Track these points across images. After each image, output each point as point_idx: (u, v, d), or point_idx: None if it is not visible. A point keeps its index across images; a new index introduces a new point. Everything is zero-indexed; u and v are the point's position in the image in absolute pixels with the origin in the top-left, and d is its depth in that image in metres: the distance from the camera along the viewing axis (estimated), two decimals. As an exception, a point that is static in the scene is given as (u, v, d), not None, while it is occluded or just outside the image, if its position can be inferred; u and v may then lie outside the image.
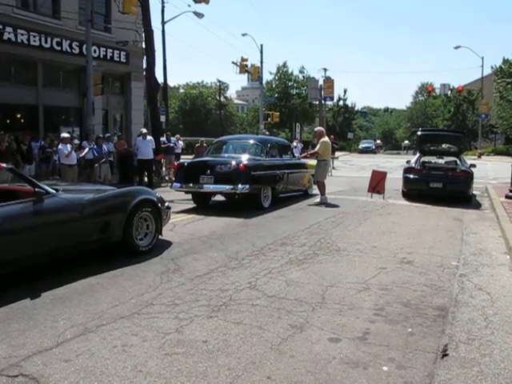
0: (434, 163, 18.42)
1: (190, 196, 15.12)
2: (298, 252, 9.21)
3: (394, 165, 37.66)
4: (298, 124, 56.85)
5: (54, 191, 7.67)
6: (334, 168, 32.59)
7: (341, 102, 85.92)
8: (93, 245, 8.12)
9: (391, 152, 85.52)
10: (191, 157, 25.01)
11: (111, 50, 26.55)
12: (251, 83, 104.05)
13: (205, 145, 26.78)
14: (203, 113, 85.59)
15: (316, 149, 16.19)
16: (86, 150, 19.11)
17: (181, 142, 27.78)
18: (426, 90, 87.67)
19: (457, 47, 56.75)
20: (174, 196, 15.70)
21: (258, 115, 56.65)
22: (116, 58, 26.91)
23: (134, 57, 27.82)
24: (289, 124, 72.82)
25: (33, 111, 23.68)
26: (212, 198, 15.57)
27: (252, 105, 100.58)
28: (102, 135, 21.14)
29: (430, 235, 11.13)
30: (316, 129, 17.08)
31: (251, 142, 15.73)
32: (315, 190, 17.37)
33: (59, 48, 23.89)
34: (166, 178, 23.79)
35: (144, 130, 22.03)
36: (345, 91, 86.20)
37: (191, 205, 15.03)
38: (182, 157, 26.60)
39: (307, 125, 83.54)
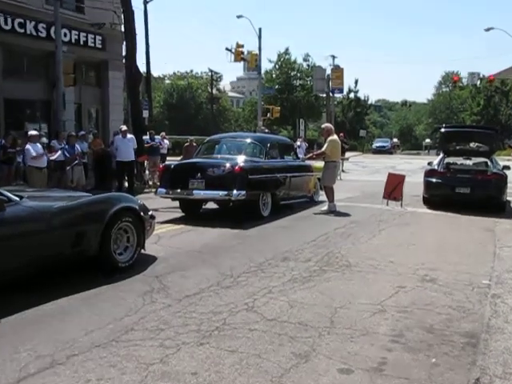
0: (461, 165, 18.32)
1: (177, 203, 15.08)
2: (303, 268, 9.20)
3: (414, 167, 37.75)
4: (302, 120, 57.65)
5: (17, 198, 7.62)
6: (343, 171, 32.54)
7: (351, 95, 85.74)
8: (64, 260, 8.05)
9: (410, 152, 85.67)
10: (179, 158, 24.93)
11: (84, 34, 26.53)
12: (248, 73, 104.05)
13: (194, 144, 26.68)
14: (193, 107, 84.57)
15: (323, 148, 16.08)
16: (58, 153, 18.93)
17: (166, 141, 27.78)
18: (450, 80, 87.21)
19: (488, 29, 56.56)
20: (158, 203, 15.65)
21: (256, 110, 56.49)
22: (90, 43, 26.91)
23: (112, 42, 27.76)
24: (292, 120, 73.45)
25: (-9, 105, 23.42)
26: (203, 206, 15.54)
27: (249, 98, 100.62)
28: (74, 133, 21.06)
29: (456, 249, 11.07)
30: (323, 126, 16.97)
31: (248, 140, 15.74)
32: (322, 196, 17.27)
33: (22, 30, 23.80)
34: (150, 183, 23.78)
35: (124, 128, 21.97)
36: (356, 82, 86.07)
37: (179, 213, 14.99)
38: (168, 158, 26.42)
39: (313, 121, 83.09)
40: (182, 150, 30.02)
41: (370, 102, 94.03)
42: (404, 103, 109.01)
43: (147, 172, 24.89)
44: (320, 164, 16.88)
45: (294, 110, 71.25)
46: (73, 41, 25.72)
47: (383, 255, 10.28)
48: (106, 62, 28.23)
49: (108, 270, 8.63)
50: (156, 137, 26.74)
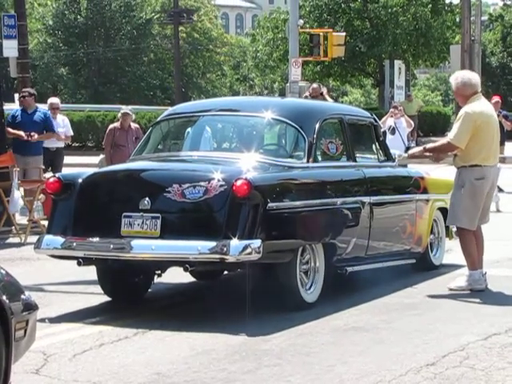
0: None
1: (90, 272, 10.04)
2: None
3: None
4: (399, 63, 37.45)
5: None
6: (501, 190, 18.09)
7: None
8: None
9: None
10: (98, 159, 17.20)
11: None
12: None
13: (135, 125, 17.01)
14: (126, 34, 55.12)
15: (450, 135, 9.98)
16: None
17: (65, 120, 17.66)
18: None
19: None
20: (45, 272, 11.17)
21: (285, 40, 34.08)
22: None
23: None
24: (375, 66, 43.42)
25: None
26: (154, 279, 10.28)
27: (268, 10, 59.52)
28: None
29: None
30: (453, 77, 10.31)
31: (267, 117, 10.46)
32: (452, 251, 11.99)
33: None
34: (29, 219, 15.36)
35: None
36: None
37: (98, 296, 10.03)
38: (67, 160, 18.81)
39: (428, 65, 48.37)
40: (98, 137, 23.93)
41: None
42: None
43: (16, 191, 16.28)
44: (446, 175, 11.90)
45: (380, 40, 40.01)
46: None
47: None
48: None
49: None
50: (40, 109, 16.31)
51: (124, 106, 18.94)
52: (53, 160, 16.53)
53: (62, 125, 16.72)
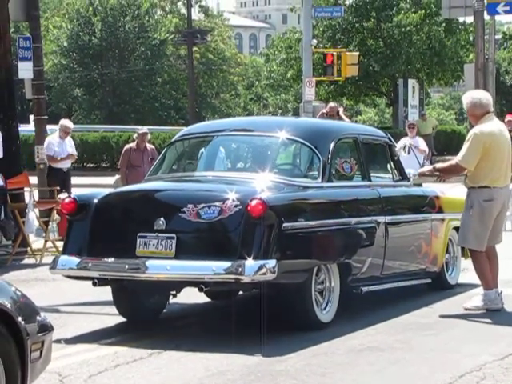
0: None
1: (105, 293, 10.07)
2: None
3: None
4: (413, 82, 38.16)
5: None
6: None
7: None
8: None
9: None
10: (113, 179, 17.14)
11: None
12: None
13: (150, 146, 17.29)
14: (141, 56, 55.32)
15: (459, 156, 10.00)
16: None
17: (70, 140, 17.83)
18: None
19: None
20: (60, 293, 11.21)
21: (299, 60, 34.55)
22: None
23: None
24: (389, 84, 43.21)
25: None
26: (170, 300, 10.20)
27: (282, 30, 61.95)
28: None
29: None
30: (465, 98, 10.29)
31: (282, 137, 10.46)
32: (467, 270, 11.83)
33: None
34: (44, 240, 14.85)
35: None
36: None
37: (113, 317, 9.95)
38: (82, 180, 19.55)
39: (442, 84, 48.22)
40: (113, 158, 24.25)
41: None
42: None
43: (31, 212, 15.24)
44: (461, 193, 11.14)
45: (394, 59, 39.98)
46: None
47: None
48: None
49: None
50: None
51: (140, 127, 19.28)
52: (64, 180, 16.88)
53: (70, 145, 17.10)
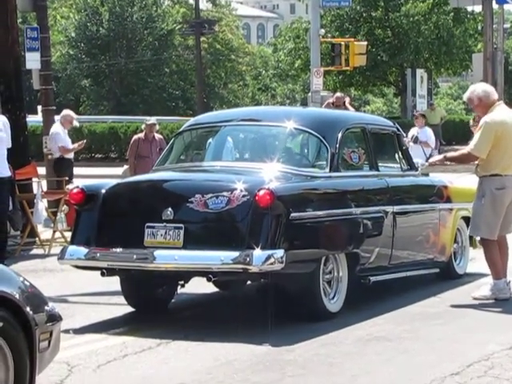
0: None
1: (113, 283, 9.92)
2: None
3: None
4: (421, 71, 37.91)
5: None
6: None
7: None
8: None
9: None
10: (121, 170, 17.15)
11: None
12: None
13: (159, 136, 17.52)
14: (148, 46, 55.71)
15: (471, 144, 9.94)
16: None
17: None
18: None
19: None
20: (68, 283, 11.01)
21: (306, 50, 34.76)
22: None
23: None
24: (397, 74, 43.11)
25: None
26: (178, 290, 10.14)
27: (289, 20, 59.03)
28: None
29: None
30: (472, 89, 10.16)
31: (290, 127, 10.33)
32: (475, 260, 11.79)
33: None
34: (53, 230, 14.55)
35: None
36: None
37: (121, 307, 9.88)
38: (91, 171, 19.33)
39: (450, 73, 47.58)
40: (121, 148, 24.22)
41: None
42: None
43: (40, 202, 16.17)
44: (469, 183, 11.41)
45: (402, 49, 40.14)
46: None
47: None
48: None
49: None
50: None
51: (148, 117, 19.08)
52: (72, 170, 17.07)
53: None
